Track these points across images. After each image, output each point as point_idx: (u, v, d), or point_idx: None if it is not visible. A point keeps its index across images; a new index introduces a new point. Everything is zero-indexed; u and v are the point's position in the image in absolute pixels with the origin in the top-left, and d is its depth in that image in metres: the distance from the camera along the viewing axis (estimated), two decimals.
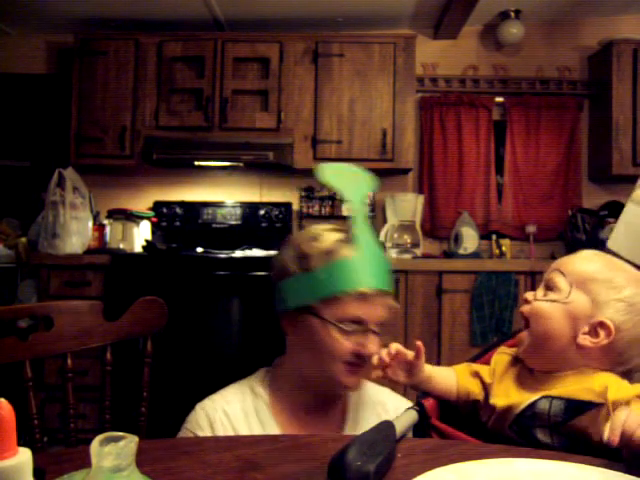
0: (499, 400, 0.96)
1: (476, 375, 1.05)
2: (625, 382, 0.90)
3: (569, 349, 0.93)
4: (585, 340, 0.92)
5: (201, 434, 1.09)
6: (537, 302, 0.98)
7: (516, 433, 0.93)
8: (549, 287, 0.98)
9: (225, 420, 1.10)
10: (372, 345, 1.07)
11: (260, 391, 1.15)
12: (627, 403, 0.84)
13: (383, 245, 3.41)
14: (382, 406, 1.20)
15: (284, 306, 1.11)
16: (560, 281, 0.96)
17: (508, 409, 0.94)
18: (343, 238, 1.09)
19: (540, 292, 0.99)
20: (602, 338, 0.91)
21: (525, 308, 0.99)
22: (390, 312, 1.10)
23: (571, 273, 0.96)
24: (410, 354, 1.01)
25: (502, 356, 1.06)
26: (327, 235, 1.10)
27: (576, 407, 0.87)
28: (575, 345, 0.93)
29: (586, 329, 0.92)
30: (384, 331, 1.10)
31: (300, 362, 1.13)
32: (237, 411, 1.12)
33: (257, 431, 1.10)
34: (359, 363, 1.07)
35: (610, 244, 1.57)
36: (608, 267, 0.96)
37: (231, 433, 1.09)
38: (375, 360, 1.03)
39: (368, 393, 1.22)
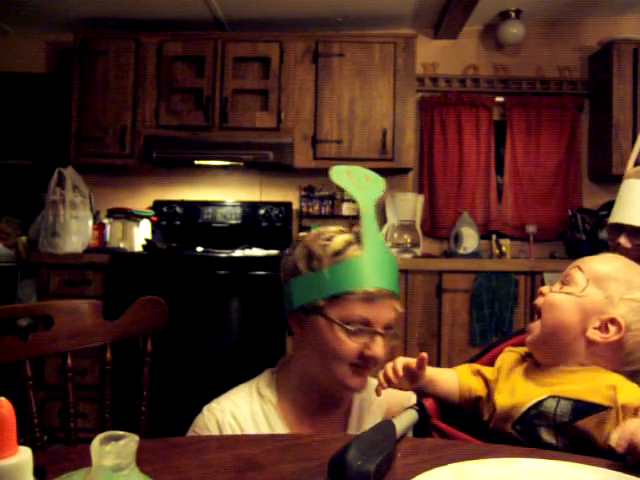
0: (504, 397, 0.96)
1: (478, 373, 1.05)
2: (634, 385, 0.89)
3: (577, 343, 0.94)
4: (595, 335, 0.93)
5: None
6: (551, 294, 0.99)
7: (519, 432, 0.92)
8: (565, 282, 0.99)
9: (234, 423, 1.10)
10: (377, 347, 1.06)
11: (267, 393, 1.15)
12: (637, 410, 0.84)
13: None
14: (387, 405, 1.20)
15: (292, 305, 1.11)
16: (578, 276, 0.97)
17: (513, 407, 0.93)
18: (352, 240, 1.09)
19: (556, 287, 1.00)
20: (612, 334, 0.92)
21: (539, 300, 1.00)
22: (396, 315, 1.09)
23: (590, 270, 0.97)
24: (413, 363, 1.01)
25: (509, 354, 1.06)
26: (337, 236, 1.10)
27: (583, 409, 0.87)
28: (584, 339, 0.94)
29: (597, 324, 0.93)
30: (391, 335, 1.09)
31: (306, 363, 1.13)
32: (245, 414, 1.11)
33: (265, 433, 1.10)
34: (364, 365, 1.07)
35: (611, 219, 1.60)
36: (628, 269, 0.98)
37: None
38: (381, 377, 1.02)
39: (373, 393, 1.21)
